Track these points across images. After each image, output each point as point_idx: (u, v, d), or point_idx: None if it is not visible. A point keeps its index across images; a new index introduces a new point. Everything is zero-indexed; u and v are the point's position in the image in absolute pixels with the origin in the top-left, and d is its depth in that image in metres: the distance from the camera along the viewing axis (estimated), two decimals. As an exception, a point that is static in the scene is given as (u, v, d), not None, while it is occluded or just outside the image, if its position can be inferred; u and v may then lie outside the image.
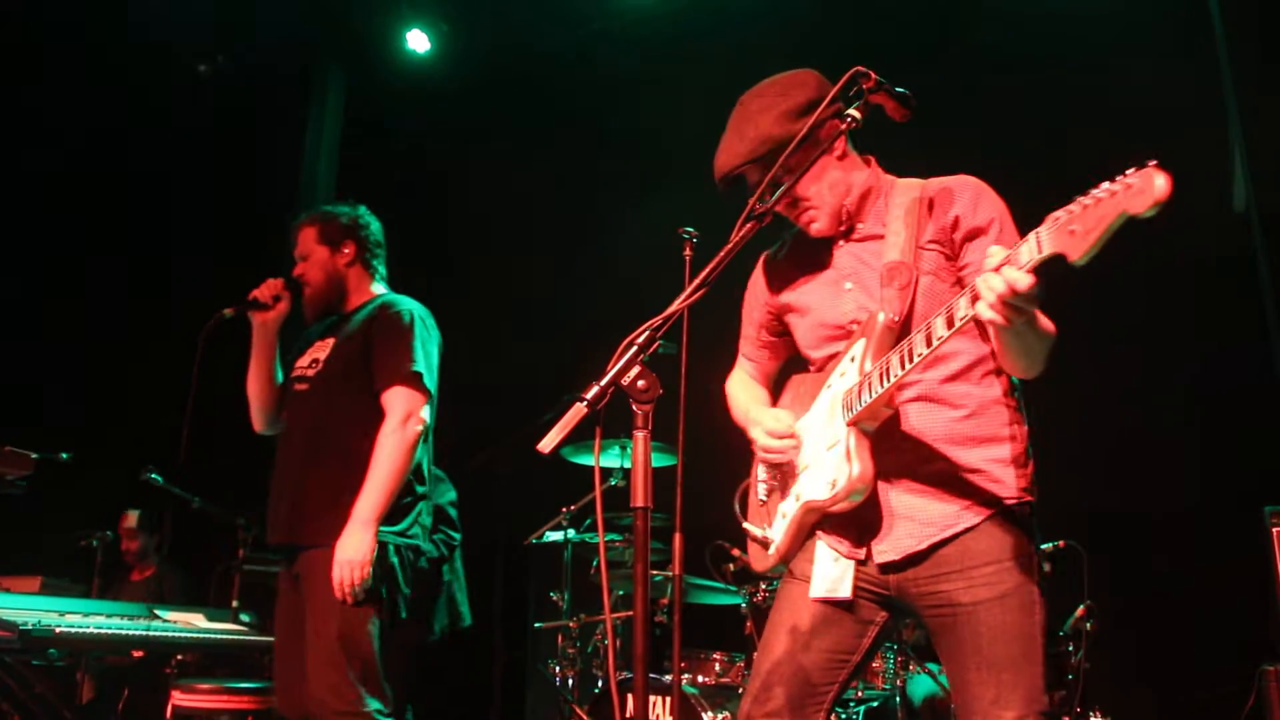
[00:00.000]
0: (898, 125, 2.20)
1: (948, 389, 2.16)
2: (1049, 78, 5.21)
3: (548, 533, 5.04)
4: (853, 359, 2.18)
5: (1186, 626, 4.48)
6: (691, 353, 2.52)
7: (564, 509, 4.92)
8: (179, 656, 4.71)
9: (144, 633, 4.07)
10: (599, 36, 6.86)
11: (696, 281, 1.88)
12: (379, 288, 3.51)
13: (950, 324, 1.91)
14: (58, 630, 3.64)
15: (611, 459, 4.84)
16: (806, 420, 2.30)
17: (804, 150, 2.15)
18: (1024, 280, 1.75)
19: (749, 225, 1.97)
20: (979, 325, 1.96)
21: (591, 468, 4.63)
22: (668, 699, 3.83)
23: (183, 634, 4.22)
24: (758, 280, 2.54)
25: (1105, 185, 1.64)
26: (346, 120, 7.44)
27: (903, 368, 2.01)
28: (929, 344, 1.95)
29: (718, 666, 4.16)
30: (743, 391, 2.58)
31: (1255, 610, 4.05)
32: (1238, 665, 3.99)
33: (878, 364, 2.08)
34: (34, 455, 3.92)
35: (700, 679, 4.13)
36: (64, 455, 4.11)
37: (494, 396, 6.49)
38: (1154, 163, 1.59)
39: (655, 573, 4.30)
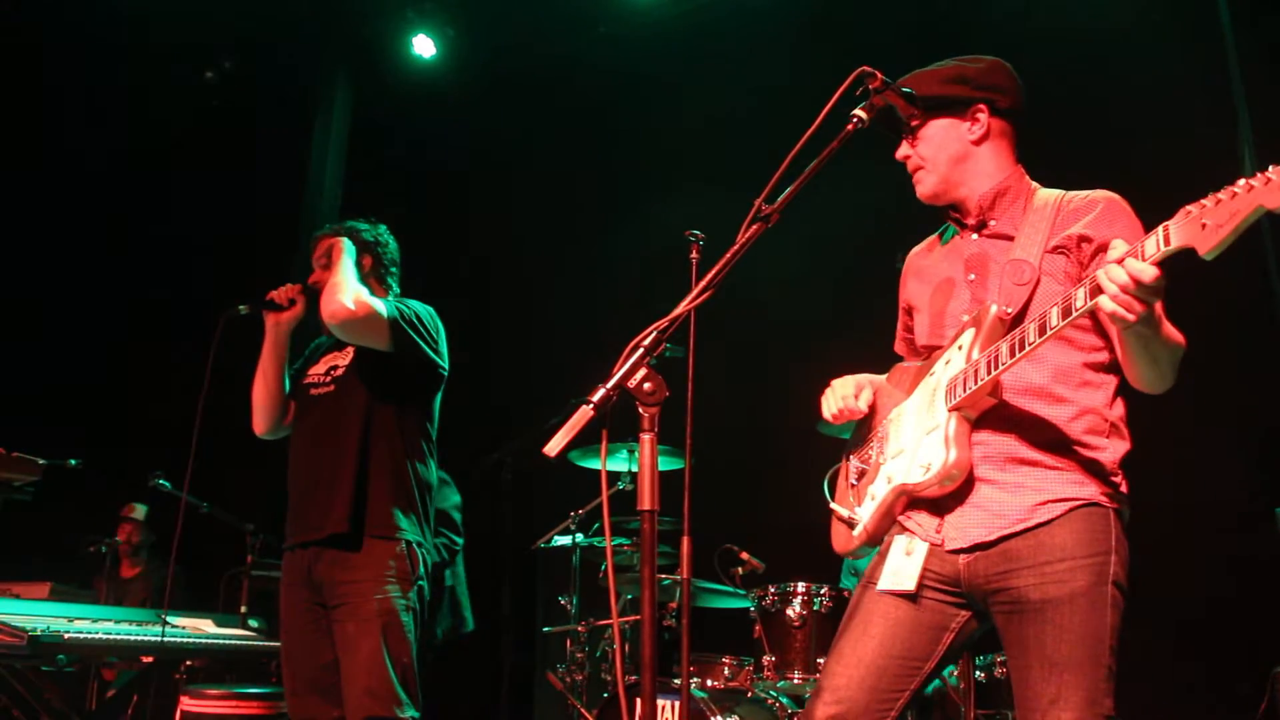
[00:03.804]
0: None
1: (1040, 388, 2.14)
2: (1056, 78, 5.20)
3: (555, 537, 5.03)
4: (960, 347, 2.19)
5: (1199, 628, 4.45)
6: (699, 355, 2.50)
7: (572, 513, 4.92)
8: (188, 662, 4.71)
9: (153, 638, 4.07)
10: (604, 40, 6.87)
11: (703, 284, 1.87)
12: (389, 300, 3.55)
13: (1066, 314, 1.91)
14: (67, 636, 3.64)
15: (619, 463, 4.83)
16: (905, 405, 2.32)
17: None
18: (1149, 272, 1.75)
19: (755, 227, 1.96)
20: (1095, 327, 1.99)
21: (599, 471, 4.63)
22: (676, 703, 3.81)
23: (191, 640, 4.22)
24: (903, 274, 2.56)
25: (1243, 181, 1.65)
26: (353, 125, 7.46)
27: (1012, 355, 2.01)
28: (1041, 333, 1.96)
29: (726, 670, 4.15)
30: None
31: (1269, 612, 4.03)
32: (1252, 667, 3.96)
33: (986, 352, 2.09)
34: (42, 461, 3.92)
35: (709, 683, 4.11)
36: (72, 461, 4.11)
37: (501, 401, 6.49)
38: None
39: (664, 576, 4.29)
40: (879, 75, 2.13)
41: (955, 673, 3.67)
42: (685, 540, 2.53)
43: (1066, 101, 5.16)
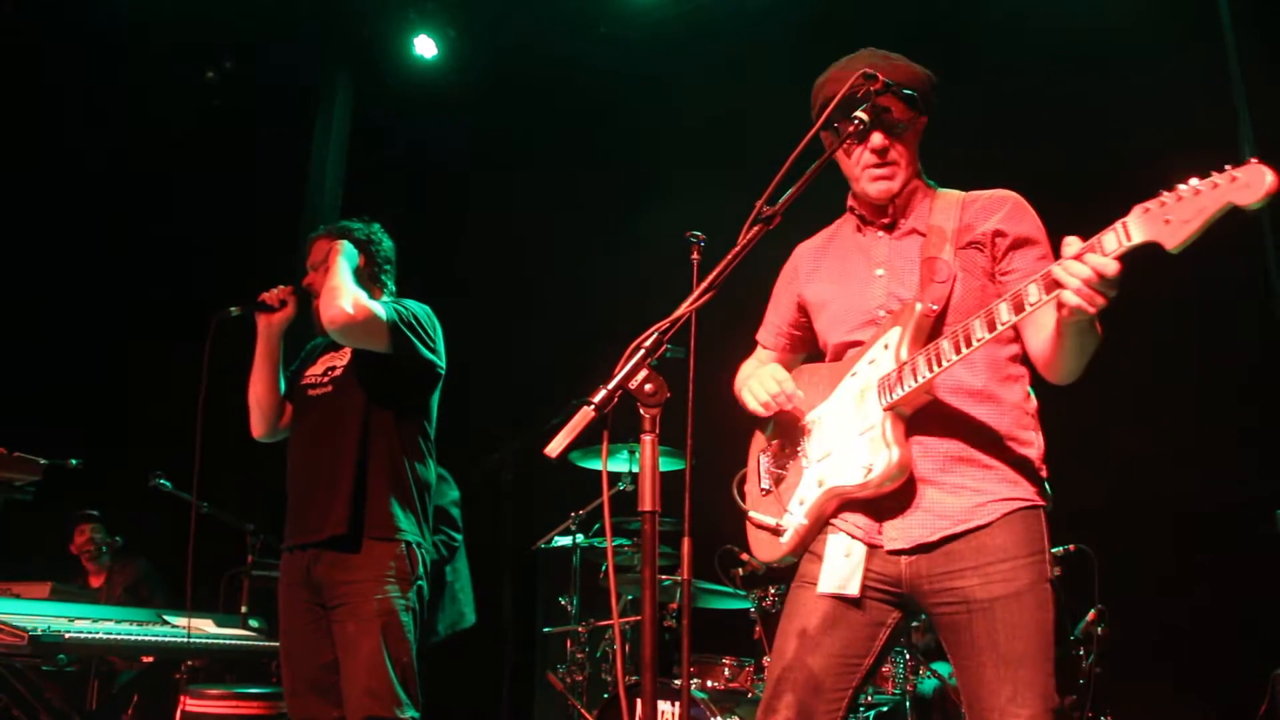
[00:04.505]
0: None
1: (970, 386, 2.17)
2: (1056, 77, 5.20)
3: (556, 538, 5.03)
4: (886, 346, 2.18)
5: (1199, 631, 4.45)
6: (700, 356, 2.51)
7: (572, 514, 4.92)
8: (188, 662, 4.71)
9: (153, 638, 4.07)
10: (605, 41, 6.86)
11: (704, 285, 1.87)
12: (387, 300, 3.55)
13: (1019, 309, 1.93)
14: (67, 636, 3.65)
15: (620, 463, 4.83)
16: (827, 406, 2.30)
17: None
18: (1111, 266, 1.79)
19: (756, 228, 1.96)
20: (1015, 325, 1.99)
21: (600, 472, 4.63)
22: (676, 704, 3.81)
23: (192, 639, 4.22)
24: (789, 269, 2.57)
25: (1195, 181, 1.70)
26: (353, 125, 7.45)
27: (958, 352, 2.02)
28: (991, 329, 1.97)
29: (727, 671, 4.15)
30: (751, 366, 2.58)
31: (1268, 614, 4.03)
32: (1251, 669, 3.96)
33: (924, 350, 2.09)
34: (42, 461, 3.92)
35: (709, 684, 4.11)
36: (72, 461, 4.11)
37: (501, 400, 6.49)
38: (1256, 159, 1.66)
39: (664, 577, 4.29)
40: (880, 78, 2.14)
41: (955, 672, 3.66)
42: (686, 541, 2.52)
43: (1066, 102, 5.16)
